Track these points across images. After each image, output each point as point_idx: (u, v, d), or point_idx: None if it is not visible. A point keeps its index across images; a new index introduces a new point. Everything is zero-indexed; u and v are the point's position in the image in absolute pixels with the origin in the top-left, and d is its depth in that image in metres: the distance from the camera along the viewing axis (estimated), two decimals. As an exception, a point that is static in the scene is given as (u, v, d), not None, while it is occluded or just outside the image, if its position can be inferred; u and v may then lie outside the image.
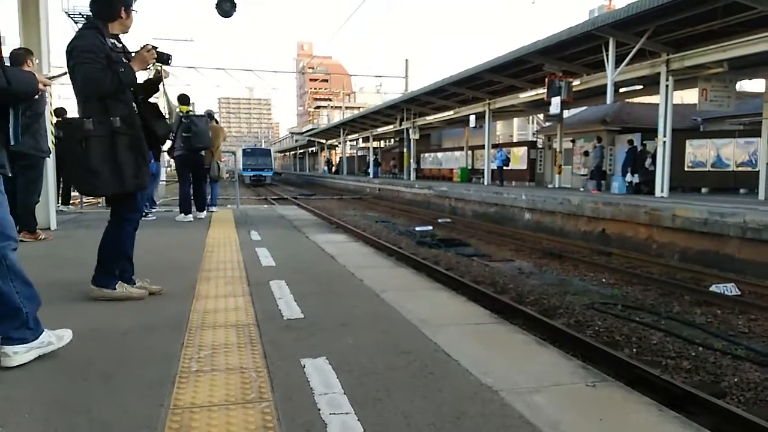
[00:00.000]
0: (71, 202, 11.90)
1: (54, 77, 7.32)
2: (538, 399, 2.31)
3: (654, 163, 16.33)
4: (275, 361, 2.67)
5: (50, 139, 7.45)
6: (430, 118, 31.50)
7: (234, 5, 12.02)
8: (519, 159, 27.07)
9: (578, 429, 2.10)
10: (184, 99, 9.89)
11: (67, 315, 3.48)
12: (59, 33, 15.54)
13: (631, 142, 18.44)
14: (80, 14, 23.86)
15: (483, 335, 3.27)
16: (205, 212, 10.02)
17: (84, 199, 12.60)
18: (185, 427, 2.01)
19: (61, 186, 10.72)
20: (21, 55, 6.14)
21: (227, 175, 12.79)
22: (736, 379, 4.80)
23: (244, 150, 48.75)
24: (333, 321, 3.37)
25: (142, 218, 9.01)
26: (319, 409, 2.15)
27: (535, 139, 31.70)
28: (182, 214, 9.39)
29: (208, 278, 4.55)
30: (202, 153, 9.62)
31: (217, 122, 11.34)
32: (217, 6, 11.86)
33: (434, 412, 2.16)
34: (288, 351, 2.81)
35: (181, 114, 9.36)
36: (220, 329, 3.17)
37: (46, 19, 7.27)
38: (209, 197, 10.95)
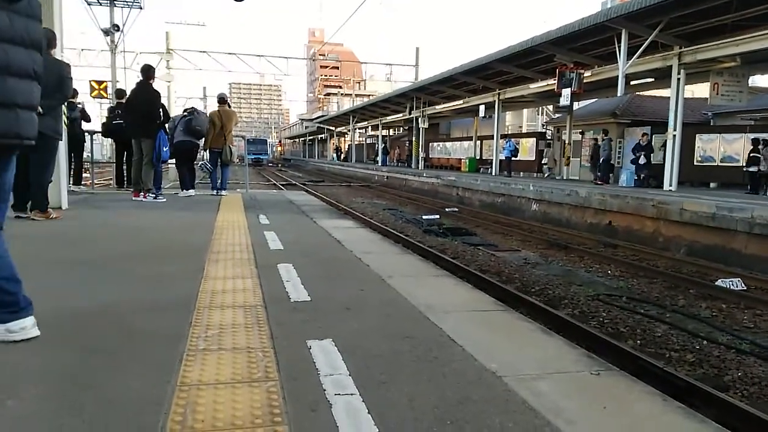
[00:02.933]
0: (82, 182, 12.00)
1: None
2: (542, 385, 2.32)
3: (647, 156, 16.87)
4: (282, 341, 2.70)
5: (63, 120, 7.50)
6: (439, 108, 31.41)
7: (246, -11, 12.00)
8: (527, 150, 26.99)
9: (582, 416, 2.10)
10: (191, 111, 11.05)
11: (76, 292, 3.53)
12: (72, 13, 15.55)
13: (646, 135, 18.33)
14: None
15: (488, 322, 3.28)
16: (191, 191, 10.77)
17: (95, 180, 12.71)
18: (192, 404, 2.03)
19: (73, 166, 10.80)
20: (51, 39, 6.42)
21: (238, 160, 12.89)
22: (739, 374, 4.80)
23: (247, 140, 54.35)
24: (339, 304, 3.39)
25: (154, 200, 9.30)
26: (324, 390, 2.17)
27: (544, 131, 31.56)
28: (184, 190, 10.68)
29: (217, 260, 4.58)
30: (199, 143, 10.80)
31: (229, 106, 11.37)
32: (229, -10, 11.83)
33: (438, 396, 2.18)
34: (294, 332, 2.84)
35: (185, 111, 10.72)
36: (227, 309, 3.20)
37: (59, 0, 7.28)
38: (219, 181, 11.05)
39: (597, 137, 21.46)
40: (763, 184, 15.41)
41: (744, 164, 16.14)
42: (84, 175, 12.57)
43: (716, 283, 8.18)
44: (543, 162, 24.86)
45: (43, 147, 6.40)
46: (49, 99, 6.22)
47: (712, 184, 17.74)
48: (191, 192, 10.61)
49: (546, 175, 23.99)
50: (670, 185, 15.12)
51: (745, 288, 8.00)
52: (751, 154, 15.42)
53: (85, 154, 12.09)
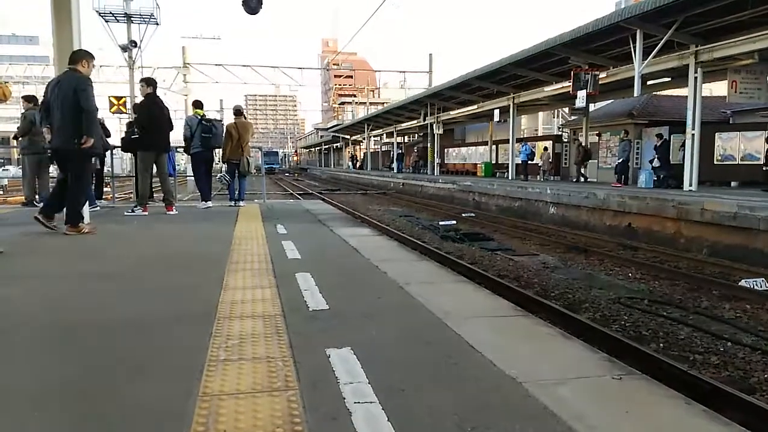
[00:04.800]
0: (103, 197, 12.17)
1: None
2: (563, 391, 2.30)
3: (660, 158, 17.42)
4: (301, 350, 2.71)
5: (98, 134, 7.63)
6: (454, 113, 31.39)
7: (260, 2, 12.10)
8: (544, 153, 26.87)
9: (604, 421, 2.08)
10: (198, 104, 11.00)
11: (99, 304, 3.58)
12: (90, 31, 15.83)
13: (660, 136, 18.16)
14: (110, 13, 24.29)
15: (507, 328, 3.27)
16: (209, 203, 10.77)
17: (116, 194, 12.91)
18: (214, 413, 2.05)
19: (94, 181, 10.96)
20: (80, 54, 6.72)
21: (255, 171, 13.00)
22: (766, 376, 4.72)
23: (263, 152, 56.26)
24: (357, 312, 3.40)
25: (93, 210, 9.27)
26: (344, 398, 2.17)
27: (560, 133, 31.40)
28: (204, 202, 10.65)
29: (236, 270, 4.61)
30: (215, 152, 11.03)
31: (245, 118, 11.47)
32: (244, 3, 11.94)
33: (458, 403, 2.17)
34: (313, 341, 2.85)
35: (198, 117, 10.19)
36: (247, 319, 3.22)
37: (77, 18, 7.41)
38: (237, 192, 11.14)
39: (579, 139, 22.88)
40: None
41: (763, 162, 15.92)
42: (104, 189, 12.76)
43: (740, 284, 8.06)
44: (539, 164, 25.61)
45: (67, 161, 6.65)
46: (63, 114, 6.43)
47: (733, 183, 17.49)
48: (209, 204, 10.68)
49: (542, 178, 24.67)
50: (690, 185, 14.95)
51: (769, 288, 7.88)
52: (771, 152, 15.20)
53: (105, 169, 12.26)
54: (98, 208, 10.46)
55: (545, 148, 25.91)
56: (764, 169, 15.29)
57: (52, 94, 6.66)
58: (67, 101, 6.48)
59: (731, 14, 12.83)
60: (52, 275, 4.52)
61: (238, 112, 11.35)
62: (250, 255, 5.38)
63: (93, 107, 6.60)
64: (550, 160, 25.45)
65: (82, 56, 6.70)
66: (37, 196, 10.68)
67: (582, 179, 21.91)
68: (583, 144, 22.60)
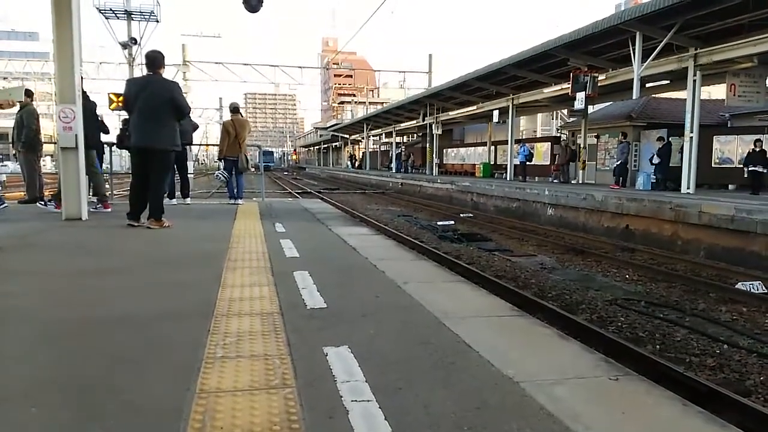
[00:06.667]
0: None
1: None
2: (560, 391, 2.31)
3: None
4: (298, 348, 2.71)
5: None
6: (453, 113, 31.39)
7: (261, 0, 12.07)
8: (542, 154, 26.87)
9: (600, 422, 2.08)
10: None
11: (98, 301, 3.58)
12: (90, 27, 15.78)
13: (661, 139, 18.16)
14: (111, 10, 24.26)
15: (504, 328, 3.27)
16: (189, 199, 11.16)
17: (114, 191, 12.87)
18: (210, 411, 2.05)
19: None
20: (160, 59, 6.99)
21: (253, 169, 12.98)
22: (761, 378, 4.74)
23: (263, 151, 57.54)
24: (355, 311, 3.40)
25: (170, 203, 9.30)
26: (341, 396, 2.18)
27: (558, 135, 31.42)
28: (167, 198, 10.47)
29: (234, 268, 4.61)
30: (186, 148, 10.98)
31: (242, 115, 11.45)
32: (245, 1, 11.91)
33: (455, 402, 2.17)
34: (311, 339, 2.85)
35: None
36: (245, 317, 3.22)
37: (78, 14, 7.39)
38: (236, 190, 11.12)
39: (564, 140, 23.51)
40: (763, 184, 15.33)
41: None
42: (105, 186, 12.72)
43: (736, 287, 8.07)
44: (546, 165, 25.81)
45: (153, 159, 6.94)
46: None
47: (730, 186, 17.52)
48: (173, 201, 10.73)
49: (552, 179, 24.86)
50: (688, 188, 14.97)
51: (766, 291, 7.88)
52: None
53: (104, 166, 12.23)
54: (175, 202, 10.76)
55: (557, 148, 26.00)
56: (746, 168, 15.34)
57: (140, 96, 6.85)
58: (162, 104, 6.79)
59: (731, 17, 12.85)
60: (50, 271, 4.52)
61: (234, 109, 11.31)
62: (248, 253, 5.38)
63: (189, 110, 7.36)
64: (556, 162, 25.48)
65: (162, 61, 7.06)
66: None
67: (558, 180, 22.15)
68: (570, 144, 22.81)
